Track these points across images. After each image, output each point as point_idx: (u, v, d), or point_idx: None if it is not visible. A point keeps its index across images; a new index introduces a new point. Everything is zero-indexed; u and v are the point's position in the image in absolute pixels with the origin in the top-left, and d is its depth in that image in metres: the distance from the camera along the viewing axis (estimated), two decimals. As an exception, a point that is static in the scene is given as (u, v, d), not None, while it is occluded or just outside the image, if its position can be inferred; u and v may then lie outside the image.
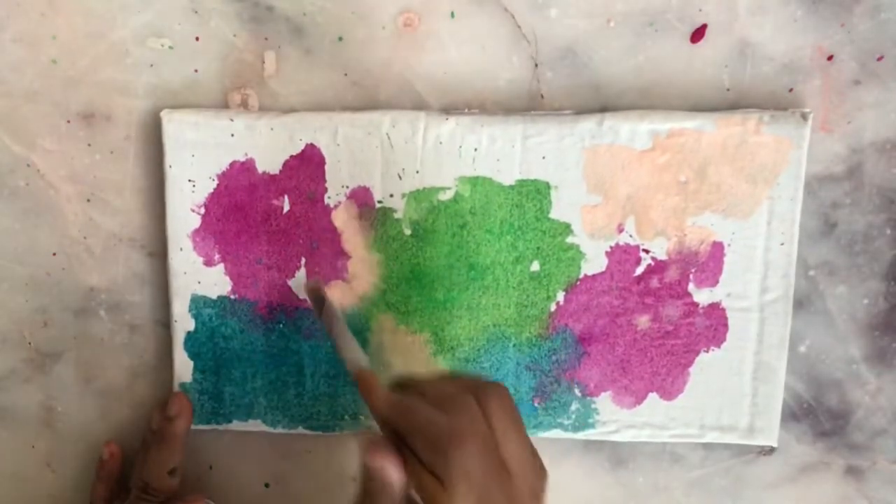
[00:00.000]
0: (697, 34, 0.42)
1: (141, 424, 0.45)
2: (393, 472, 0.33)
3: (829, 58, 0.41)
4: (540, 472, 0.34)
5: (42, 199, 0.44)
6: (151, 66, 0.43)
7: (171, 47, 0.42)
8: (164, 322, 0.45)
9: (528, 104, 0.42)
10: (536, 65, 0.42)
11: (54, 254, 0.44)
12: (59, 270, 0.45)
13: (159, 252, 0.44)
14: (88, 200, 0.44)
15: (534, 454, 0.34)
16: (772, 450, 0.45)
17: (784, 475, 0.45)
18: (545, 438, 0.45)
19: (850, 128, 0.42)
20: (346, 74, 0.42)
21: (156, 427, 0.43)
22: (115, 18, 0.42)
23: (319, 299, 0.40)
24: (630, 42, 0.42)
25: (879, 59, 0.41)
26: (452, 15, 0.42)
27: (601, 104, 0.42)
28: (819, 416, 0.44)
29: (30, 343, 0.45)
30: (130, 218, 0.44)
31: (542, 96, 0.42)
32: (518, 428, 0.34)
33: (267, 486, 0.47)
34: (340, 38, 0.42)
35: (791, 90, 0.42)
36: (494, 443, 0.33)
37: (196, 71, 0.43)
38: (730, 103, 0.42)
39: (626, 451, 0.46)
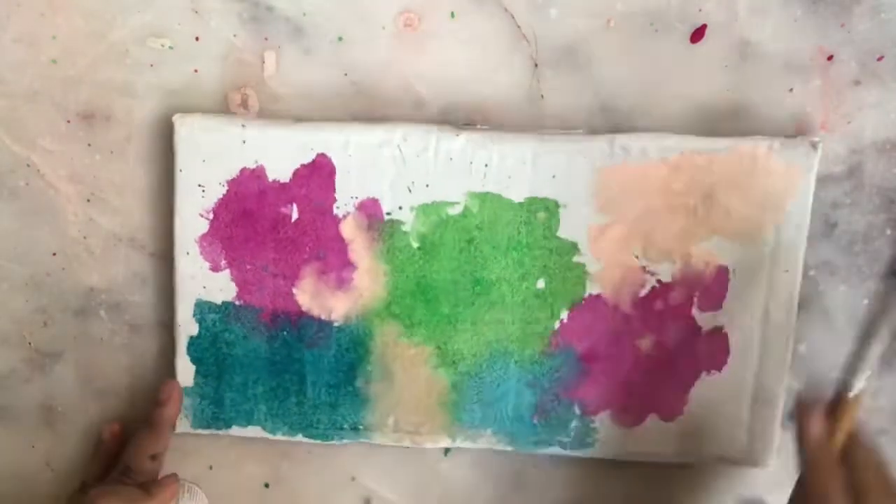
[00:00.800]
0: (697, 34, 0.42)
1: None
2: None
3: (829, 58, 0.41)
4: None
5: (42, 199, 0.44)
6: (151, 66, 0.43)
7: (171, 47, 0.42)
8: (165, 322, 0.45)
9: (528, 104, 0.42)
10: (536, 65, 0.42)
11: (54, 254, 0.44)
12: (59, 270, 0.45)
13: (159, 252, 0.44)
14: (88, 200, 0.44)
15: None
16: (772, 450, 0.45)
17: (784, 475, 0.45)
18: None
19: (850, 128, 0.42)
20: (346, 74, 0.42)
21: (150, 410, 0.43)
22: (115, 18, 0.42)
23: None
24: (630, 42, 0.42)
25: (879, 59, 0.41)
26: (452, 15, 0.42)
27: (601, 104, 0.42)
28: (819, 416, 0.44)
29: (30, 343, 0.45)
30: (130, 218, 0.44)
31: (542, 96, 0.42)
32: None
33: (267, 486, 0.47)
34: (340, 38, 0.42)
35: (791, 90, 0.42)
36: None
37: (196, 71, 0.43)
38: (730, 103, 0.42)
39: (626, 451, 0.46)
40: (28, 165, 0.44)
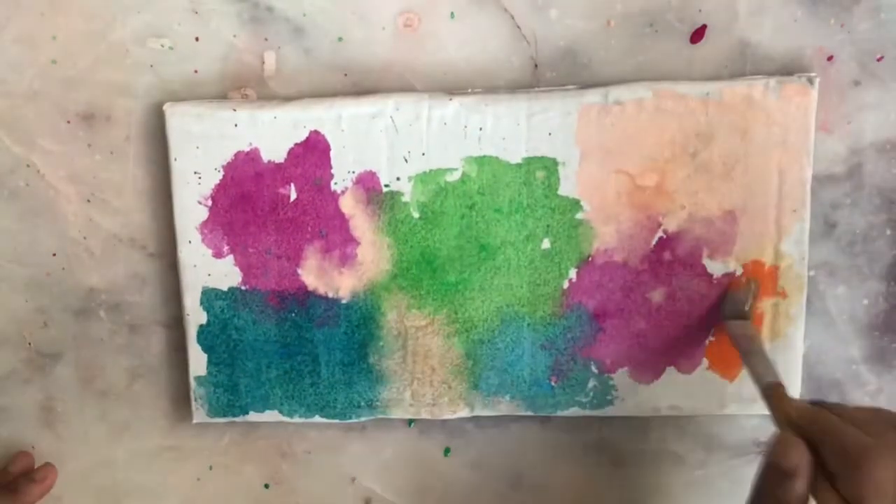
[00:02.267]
0: (697, 34, 0.42)
1: (141, 425, 0.46)
2: (802, 477, 0.32)
3: (829, 58, 0.41)
4: None
5: (42, 200, 0.44)
6: (151, 66, 0.43)
7: (171, 47, 0.42)
8: (165, 322, 0.45)
9: (528, 104, 0.42)
10: (536, 65, 0.42)
11: (54, 254, 0.44)
12: (59, 270, 0.45)
13: (160, 252, 0.44)
14: (88, 200, 0.44)
15: None
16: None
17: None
18: (552, 427, 0.45)
19: (850, 128, 0.42)
20: (346, 74, 0.42)
21: (13, 471, 0.44)
22: (115, 18, 0.42)
23: (741, 301, 0.41)
24: (630, 42, 0.42)
25: (879, 59, 0.41)
26: (452, 15, 0.42)
27: (601, 104, 0.42)
28: (819, 416, 0.44)
29: (30, 343, 0.45)
30: (130, 218, 0.44)
31: (542, 96, 0.42)
32: None
33: (267, 486, 0.47)
34: (340, 39, 0.42)
35: (791, 90, 0.42)
36: None
37: (196, 71, 0.43)
38: (730, 103, 0.42)
39: (626, 451, 0.46)
40: (28, 166, 0.44)
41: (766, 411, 0.43)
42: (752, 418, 0.45)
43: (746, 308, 0.41)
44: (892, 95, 0.42)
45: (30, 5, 0.42)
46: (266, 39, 0.42)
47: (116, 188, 0.44)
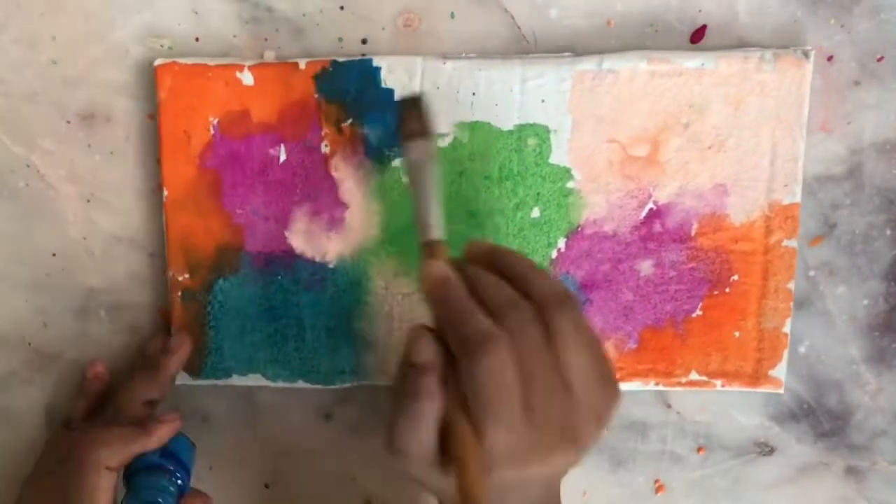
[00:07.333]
0: (697, 34, 0.42)
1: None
2: (431, 372, 0.31)
3: (829, 58, 0.41)
4: (608, 394, 0.31)
5: (42, 200, 0.44)
6: (151, 66, 0.42)
7: (170, 47, 0.42)
8: (165, 323, 0.45)
9: (528, 104, 0.42)
10: (536, 65, 0.42)
11: (54, 254, 0.44)
12: (58, 271, 0.44)
13: (159, 252, 0.44)
14: (88, 201, 0.44)
15: (604, 375, 0.31)
16: (771, 450, 0.45)
17: (784, 476, 0.45)
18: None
19: (850, 128, 0.42)
20: (346, 75, 0.42)
21: (150, 353, 0.43)
22: (114, 18, 0.42)
23: (419, 124, 0.36)
24: (630, 42, 0.42)
25: (879, 59, 0.41)
26: (452, 15, 0.42)
27: (601, 104, 0.42)
28: (819, 416, 0.44)
29: (30, 344, 0.45)
30: (130, 218, 0.44)
31: (542, 96, 0.42)
32: (588, 345, 0.31)
33: (267, 486, 0.47)
34: (340, 39, 0.42)
35: (791, 90, 0.42)
36: (550, 360, 0.30)
37: (196, 71, 0.42)
38: (730, 104, 0.42)
39: (625, 451, 0.46)
40: (28, 166, 0.44)
41: (752, 387, 0.42)
42: (753, 418, 0.45)
43: (424, 124, 0.36)
44: (892, 95, 0.42)
45: (30, 5, 0.42)
46: (266, 39, 0.42)
47: (116, 188, 0.44)
